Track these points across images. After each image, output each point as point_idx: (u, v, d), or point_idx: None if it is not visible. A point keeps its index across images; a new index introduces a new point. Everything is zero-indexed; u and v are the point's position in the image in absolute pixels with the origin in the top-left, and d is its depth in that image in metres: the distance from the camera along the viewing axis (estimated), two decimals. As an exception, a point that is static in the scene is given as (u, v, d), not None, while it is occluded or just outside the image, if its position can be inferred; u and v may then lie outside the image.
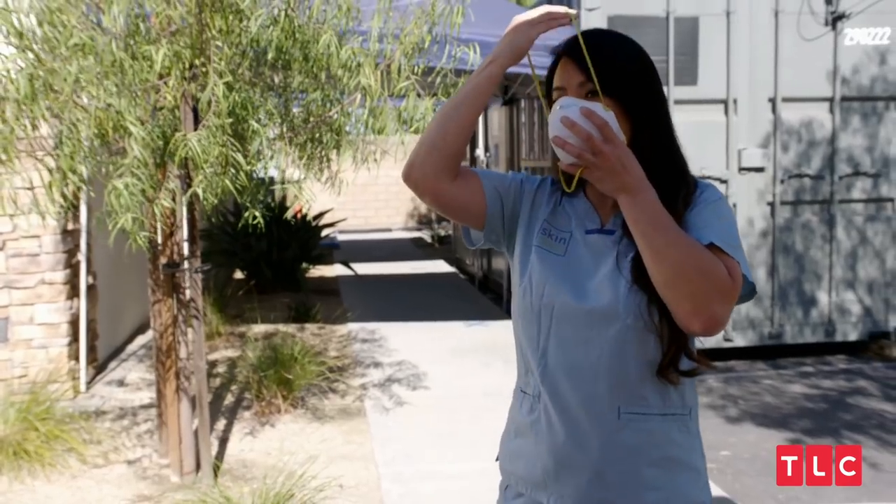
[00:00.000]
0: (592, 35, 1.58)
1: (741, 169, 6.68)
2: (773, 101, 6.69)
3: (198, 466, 4.36)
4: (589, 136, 1.38)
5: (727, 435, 5.04)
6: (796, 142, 6.79)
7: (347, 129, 4.47)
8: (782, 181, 6.75)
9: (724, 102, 6.64)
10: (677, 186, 1.55)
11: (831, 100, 6.76)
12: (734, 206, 6.65)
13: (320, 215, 11.32)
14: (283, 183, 4.80)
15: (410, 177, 1.61)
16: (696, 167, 7.14)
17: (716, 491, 4.19)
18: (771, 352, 6.88)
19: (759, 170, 6.71)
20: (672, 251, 1.39)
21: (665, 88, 6.47)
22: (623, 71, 1.54)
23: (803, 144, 6.80)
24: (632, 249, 1.51)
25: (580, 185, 1.58)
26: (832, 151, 6.78)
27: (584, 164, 1.42)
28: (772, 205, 6.77)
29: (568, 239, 1.62)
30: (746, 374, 6.47)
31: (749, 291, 1.50)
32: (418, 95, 4.08)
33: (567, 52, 1.57)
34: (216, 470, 4.43)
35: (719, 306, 1.40)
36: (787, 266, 6.83)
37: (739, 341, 6.74)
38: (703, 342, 6.35)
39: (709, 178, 6.56)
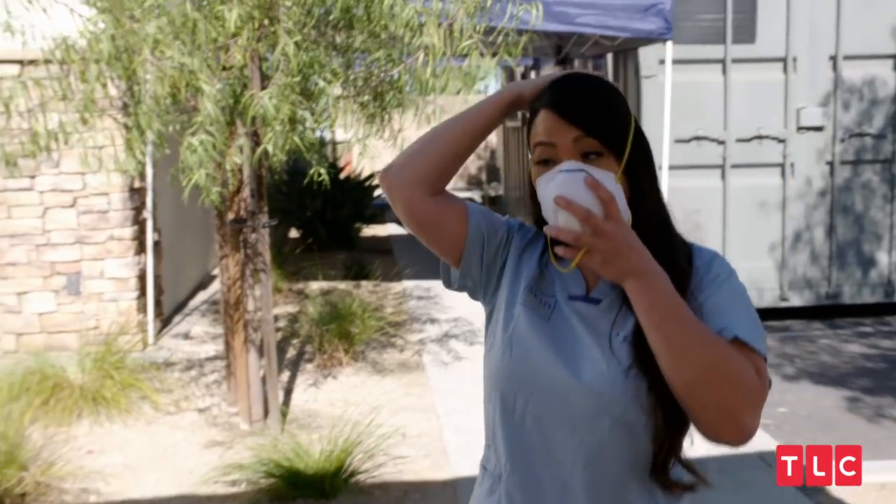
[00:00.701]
0: (578, 80, 1.33)
1: (799, 128, 6.61)
2: (833, 58, 6.59)
3: (265, 414, 4.53)
4: (588, 214, 1.16)
5: (784, 392, 5.07)
6: (857, 100, 6.69)
7: (408, 88, 4.55)
8: (842, 140, 6.67)
9: (783, 61, 6.56)
10: (680, 264, 1.30)
11: (895, 57, 6.64)
12: (792, 165, 6.60)
13: (373, 175, 11.42)
14: (334, 143, 4.89)
15: (385, 178, 1.42)
16: (752, 127, 7.03)
17: (774, 446, 4.24)
18: (828, 311, 6.85)
19: (819, 129, 6.64)
20: (695, 352, 1.16)
21: (722, 47, 6.42)
22: (623, 123, 1.29)
23: (865, 103, 6.69)
24: (626, 326, 1.29)
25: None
26: (895, 110, 6.67)
27: (581, 247, 1.18)
28: (831, 164, 6.69)
29: (553, 304, 1.37)
30: (803, 333, 6.46)
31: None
32: (481, 55, 4.13)
33: (553, 106, 1.29)
34: (284, 417, 4.60)
35: (750, 414, 1.18)
36: (845, 226, 6.77)
37: (796, 301, 6.72)
38: (759, 301, 6.35)
39: (766, 137, 6.52)
